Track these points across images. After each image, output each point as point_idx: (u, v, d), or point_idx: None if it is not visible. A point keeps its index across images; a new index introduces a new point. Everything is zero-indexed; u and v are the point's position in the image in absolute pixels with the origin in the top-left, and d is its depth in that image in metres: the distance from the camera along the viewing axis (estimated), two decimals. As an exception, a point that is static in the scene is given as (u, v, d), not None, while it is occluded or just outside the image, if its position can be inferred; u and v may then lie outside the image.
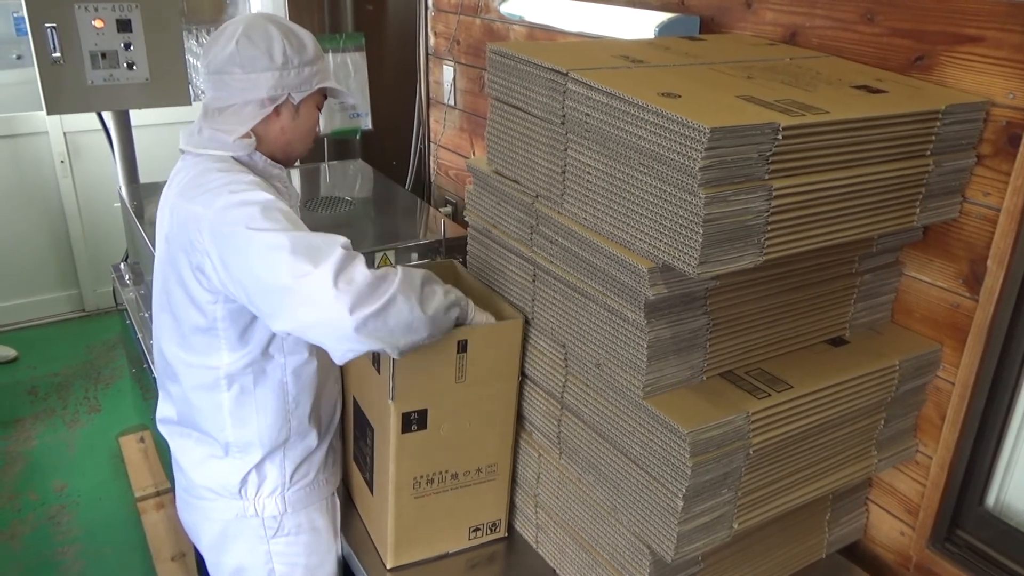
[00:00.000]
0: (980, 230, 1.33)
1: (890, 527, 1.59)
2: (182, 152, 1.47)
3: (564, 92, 1.24)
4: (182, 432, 1.55)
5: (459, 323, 1.38)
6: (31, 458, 3.17)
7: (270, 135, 1.46)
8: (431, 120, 2.99)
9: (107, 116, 3.05)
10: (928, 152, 1.25)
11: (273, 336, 1.43)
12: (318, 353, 1.48)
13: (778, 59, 1.44)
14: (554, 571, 1.56)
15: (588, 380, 1.36)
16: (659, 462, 1.23)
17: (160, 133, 3.71)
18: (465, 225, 1.67)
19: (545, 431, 1.50)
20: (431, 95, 2.95)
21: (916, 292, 1.46)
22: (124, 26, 2.67)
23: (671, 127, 1.04)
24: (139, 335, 2.43)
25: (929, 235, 1.42)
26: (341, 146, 3.46)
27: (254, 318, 1.39)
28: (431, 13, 2.85)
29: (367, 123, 2.89)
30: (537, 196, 1.38)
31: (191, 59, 3.51)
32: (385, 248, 2.23)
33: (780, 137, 1.05)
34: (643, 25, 1.75)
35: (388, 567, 1.54)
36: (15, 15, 4.00)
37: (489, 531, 1.61)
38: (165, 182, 1.50)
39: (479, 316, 1.43)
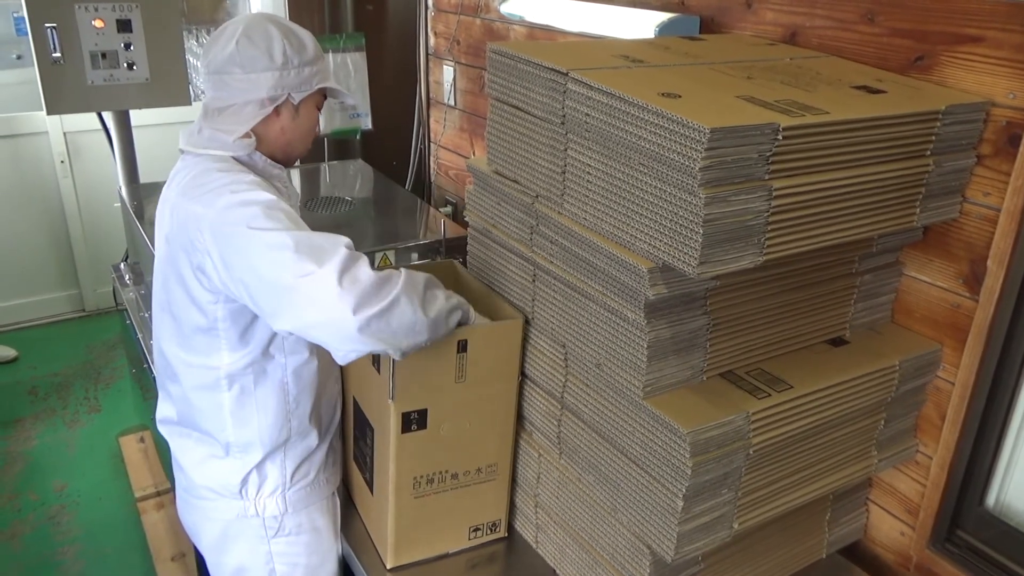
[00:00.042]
0: (980, 230, 1.33)
1: (890, 527, 1.59)
2: (181, 152, 1.47)
3: (564, 92, 1.24)
4: (182, 432, 1.55)
5: (460, 326, 1.39)
6: (31, 458, 3.17)
7: (270, 135, 1.46)
8: (431, 120, 2.99)
9: (107, 116, 3.05)
10: (928, 152, 1.25)
11: (274, 336, 1.43)
12: (319, 353, 1.49)
13: (778, 59, 1.44)
14: (554, 571, 1.56)
15: (588, 380, 1.36)
16: (659, 462, 1.23)
17: (160, 133, 3.71)
18: (465, 225, 1.67)
19: (545, 431, 1.50)
20: (431, 95, 2.95)
21: (916, 292, 1.46)
22: (124, 26, 2.67)
23: (671, 127, 1.04)
24: (139, 335, 2.43)
25: (929, 235, 1.42)
26: (341, 146, 3.46)
27: (255, 318, 1.39)
28: (431, 13, 2.85)
29: (367, 123, 2.89)
30: (537, 196, 1.38)
31: (191, 59, 3.51)
32: (385, 248, 2.23)
33: (780, 137, 1.05)
34: (643, 25, 1.75)
35: (388, 567, 1.54)
36: (15, 15, 4.00)
37: (489, 531, 1.61)
38: (165, 182, 1.50)
39: (480, 321, 1.43)
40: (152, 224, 1.54)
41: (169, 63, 2.78)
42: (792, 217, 1.12)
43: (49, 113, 2.77)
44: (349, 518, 1.68)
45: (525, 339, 1.49)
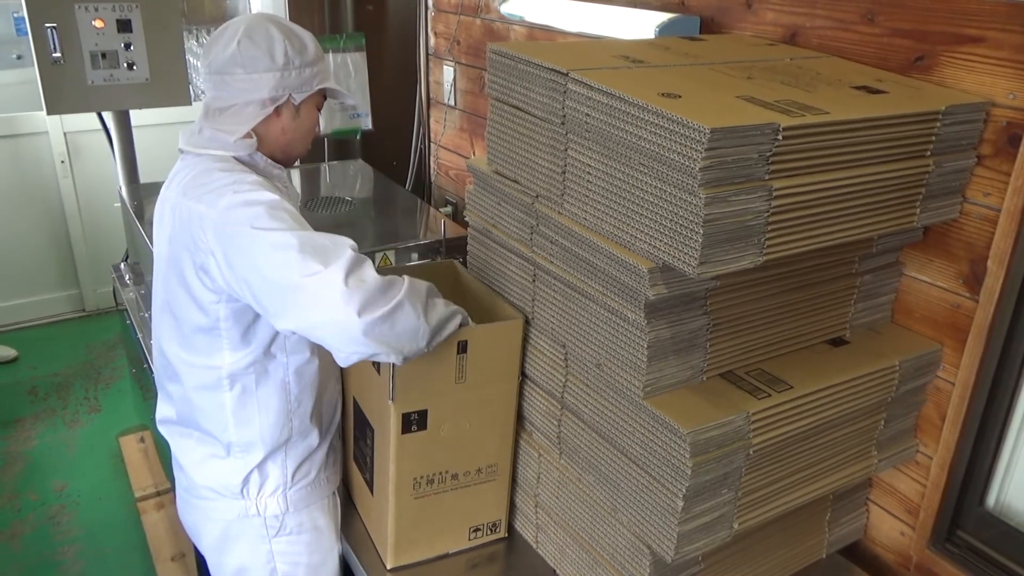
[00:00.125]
0: (980, 230, 1.33)
1: (890, 527, 1.59)
2: (181, 152, 1.47)
3: (564, 92, 1.24)
4: (183, 432, 1.55)
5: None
6: (31, 458, 3.17)
7: (271, 135, 1.46)
8: (431, 120, 2.99)
9: (107, 116, 3.05)
10: (928, 152, 1.25)
11: (276, 335, 1.43)
12: (320, 352, 1.49)
13: (778, 59, 1.44)
14: (554, 571, 1.56)
15: (588, 380, 1.36)
16: (659, 462, 1.23)
17: (160, 133, 3.71)
18: (465, 225, 1.67)
19: (545, 431, 1.50)
20: (431, 95, 2.95)
21: (916, 292, 1.46)
22: (124, 26, 2.67)
23: (671, 127, 1.04)
24: (139, 335, 2.43)
25: (929, 235, 1.42)
26: (341, 146, 3.46)
27: (257, 317, 1.39)
28: (431, 13, 2.85)
29: (367, 123, 2.89)
30: (537, 196, 1.38)
31: (191, 59, 3.51)
32: (385, 248, 2.23)
33: (780, 137, 1.05)
34: (643, 25, 1.75)
35: (388, 567, 1.54)
36: (15, 15, 4.00)
37: (489, 531, 1.61)
38: (165, 182, 1.50)
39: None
40: (152, 224, 1.54)
41: (169, 63, 2.78)
42: (792, 217, 1.12)
43: (49, 113, 2.77)
44: (349, 518, 1.68)
45: (525, 339, 1.49)
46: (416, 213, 2.61)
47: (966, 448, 1.42)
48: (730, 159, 1.03)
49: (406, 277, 1.31)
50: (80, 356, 3.88)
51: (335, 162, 3.08)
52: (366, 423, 1.55)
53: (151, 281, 1.65)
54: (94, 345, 3.98)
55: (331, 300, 1.21)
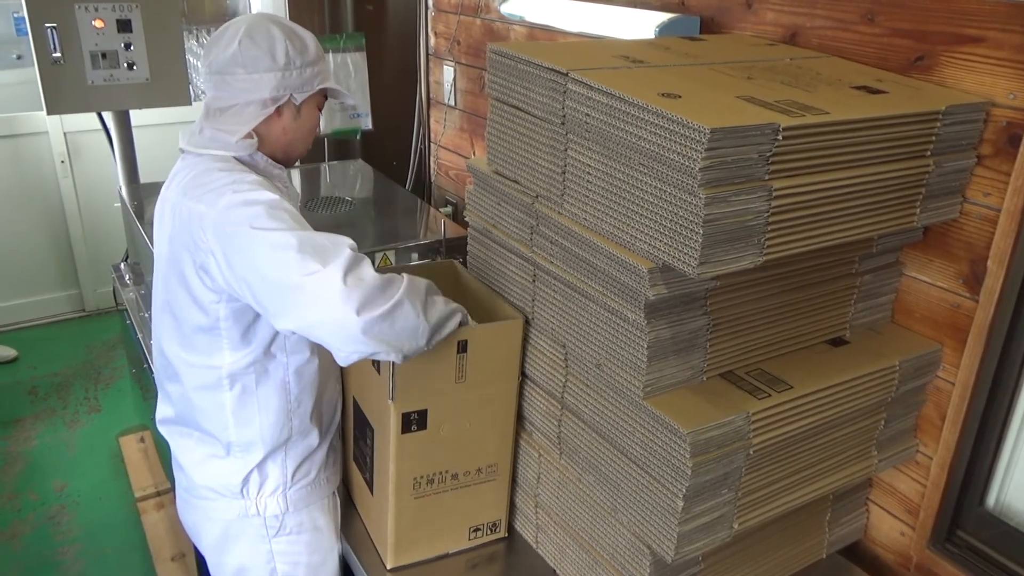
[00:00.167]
0: (980, 230, 1.33)
1: (890, 527, 1.59)
2: (182, 152, 1.47)
3: (564, 92, 1.24)
4: (183, 432, 1.55)
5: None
6: (31, 458, 3.17)
7: (272, 135, 1.46)
8: (431, 120, 2.99)
9: (107, 116, 3.05)
10: (928, 152, 1.25)
11: (276, 335, 1.43)
12: (320, 352, 1.49)
13: (778, 59, 1.44)
14: (554, 571, 1.56)
15: (588, 380, 1.36)
16: (659, 462, 1.23)
17: (160, 133, 3.71)
18: (465, 225, 1.67)
19: (545, 431, 1.50)
20: (431, 95, 2.95)
21: (916, 292, 1.46)
22: (124, 26, 2.67)
23: (671, 127, 1.04)
24: (139, 335, 2.43)
25: (929, 235, 1.42)
26: (341, 146, 3.46)
27: (257, 317, 1.39)
28: (431, 13, 2.85)
29: (367, 123, 2.89)
30: (537, 196, 1.38)
31: (191, 59, 3.51)
32: (385, 248, 2.23)
33: (780, 138, 1.05)
34: (643, 25, 1.75)
35: (388, 567, 1.54)
36: (15, 15, 4.00)
37: (489, 531, 1.61)
38: (165, 182, 1.50)
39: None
40: (152, 224, 1.54)
41: (169, 63, 2.78)
42: (792, 217, 1.12)
43: (49, 113, 2.77)
44: (349, 518, 1.68)
45: (525, 339, 1.49)
46: (416, 213, 2.61)
47: (966, 448, 1.42)
48: (730, 159, 1.03)
49: (405, 275, 1.31)
50: (80, 356, 3.89)
51: (335, 162, 3.08)
52: (366, 423, 1.55)
53: (151, 281, 1.65)
54: (94, 345, 3.98)
55: (329, 299, 1.21)
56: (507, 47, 1.37)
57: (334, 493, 1.64)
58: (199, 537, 1.61)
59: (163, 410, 1.60)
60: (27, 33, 2.58)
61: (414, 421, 1.42)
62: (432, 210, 2.67)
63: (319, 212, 2.53)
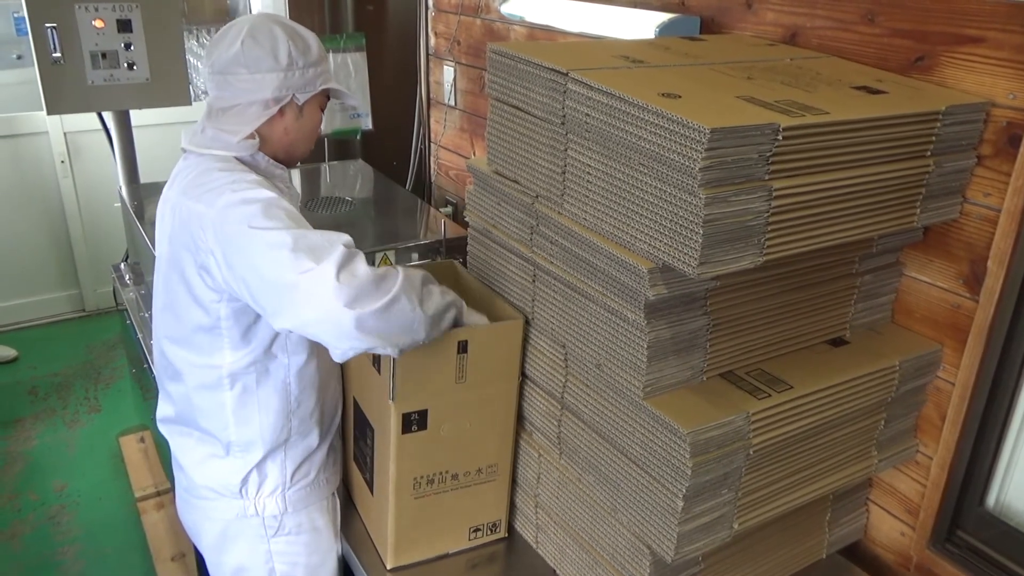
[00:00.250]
0: (980, 231, 1.33)
1: (890, 527, 1.59)
2: (184, 151, 1.48)
3: (564, 92, 1.24)
4: (183, 431, 1.55)
5: (455, 324, 1.39)
6: (31, 458, 3.17)
7: (274, 135, 1.46)
8: (431, 120, 2.99)
9: (107, 116, 3.05)
10: (928, 153, 1.25)
11: (276, 335, 1.43)
12: (320, 353, 1.49)
13: (778, 59, 1.44)
14: (554, 571, 1.56)
15: (588, 380, 1.36)
16: (659, 462, 1.23)
17: (160, 133, 3.72)
18: (465, 225, 1.67)
19: (545, 431, 1.50)
20: (431, 95, 2.95)
21: (916, 292, 1.46)
22: (124, 26, 2.67)
23: (671, 127, 1.04)
24: (139, 335, 2.43)
25: (929, 236, 1.42)
26: (341, 146, 3.46)
27: (257, 317, 1.39)
28: (431, 13, 2.85)
29: (367, 123, 2.89)
30: (537, 196, 1.38)
31: (191, 59, 3.51)
32: (385, 248, 2.23)
33: (780, 138, 1.05)
34: (643, 25, 1.75)
35: (388, 567, 1.54)
36: (15, 15, 4.00)
37: (489, 531, 1.61)
38: (165, 182, 1.50)
39: (473, 316, 1.43)
40: (152, 224, 1.54)
41: (169, 63, 2.78)
42: (792, 217, 1.12)
43: (49, 113, 2.77)
44: (349, 518, 1.68)
45: (525, 339, 1.49)
46: (416, 213, 2.61)
47: (966, 448, 1.42)
48: (730, 159, 1.03)
49: (399, 269, 1.30)
50: (80, 356, 3.89)
51: (335, 162, 3.08)
52: (366, 423, 1.55)
53: (151, 281, 1.65)
54: (94, 345, 3.98)
55: (323, 296, 1.21)
56: (507, 47, 1.37)
57: (334, 494, 1.64)
58: (198, 537, 1.61)
59: (164, 409, 1.60)
60: (27, 33, 2.58)
61: (414, 421, 1.42)
62: (432, 210, 2.67)
63: (319, 212, 2.53)
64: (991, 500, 1.43)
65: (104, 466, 3.13)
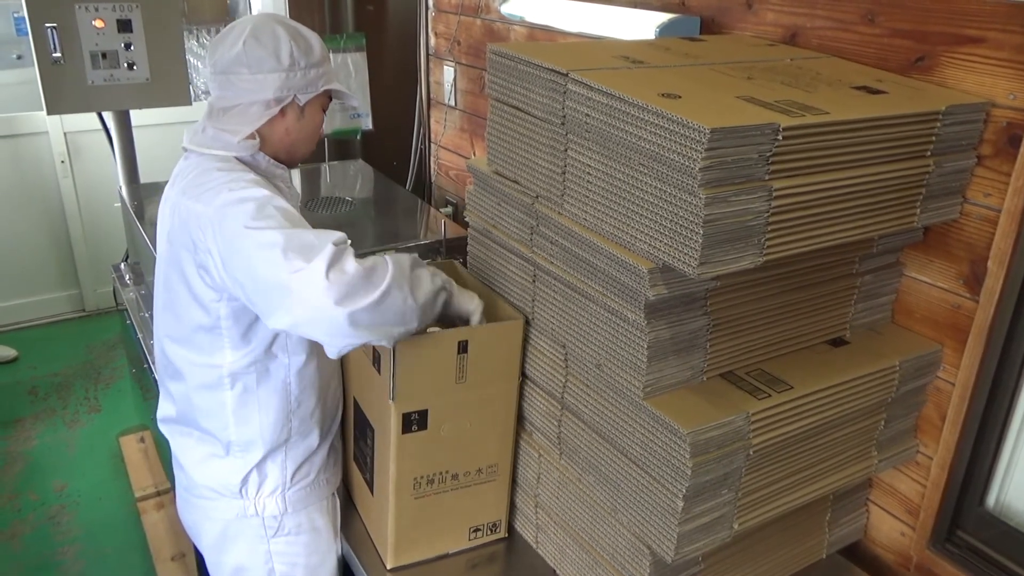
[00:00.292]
0: (981, 231, 1.33)
1: (890, 528, 1.59)
2: (184, 150, 1.48)
3: (564, 93, 1.24)
4: (183, 431, 1.55)
5: (446, 305, 1.39)
6: (31, 458, 3.17)
7: (275, 136, 1.46)
8: (431, 120, 2.99)
9: (107, 116, 3.05)
10: (928, 153, 1.25)
11: (276, 335, 1.43)
12: (321, 353, 1.48)
13: (778, 60, 1.44)
14: (554, 571, 1.55)
15: (588, 380, 1.36)
16: (659, 462, 1.23)
17: (160, 133, 3.72)
18: (465, 225, 1.67)
19: (545, 431, 1.50)
20: (432, 95, 2.95)
21: (916, 293, 1.46)
22: (124, 26, 2.68)
23: (671, 127, 1.04)
24: (139, 335, 2.43)
25: (929, 236, 1.42)
26: (342, 146, 3.46)
27: (257, 317, 1.39)
28: (431, 13, 2.85)
29: (368, 123, 2.89)
30: (537, 196, 1.38)
31: (191, 59, 3.51)
32: (385, 248, 2.23)
33: (780, 138, 1.05)
34: (643, 26, 1.75)
35: (388, 567, 1.54)
36: (15, 15, 4.00)
37: (489, 531, 1.61)
38: (166, 182, 1.50)
39: (463, 297, 1.43)
40: (152, 224, 1.54)
41: (169, 63, 2.78)
42: (792, 217, 1.12)
43: (49, 113, 2.77)
44: (349, 518, 1.68)
45: (525, 339, 1.49)
46: (416, 213, 2.61)
47: (966, 448, 1.42)
48: (730, 159, 1.03)
49: (388, 258, 1.30)
50: (80, 356, 3.89)
51: (335, 162, 3.08)
52: (366, 423, 1.55)
53: (151, 281, 1.65)
54: (94, 345, 3.98)
55: (314, 296, 1.21)
56: (507, 47, 1.37)
57: (334, 494, 1.64)
58: (198, 536, 1.61)
59: (164, 409, 1.60)
60: (27, 33, 2.58)
61: (414, 421, 1.42)
62: (432, 210, 2.67)
63: (319, 212, 2.53)
64: (991, 500, 1.43)
65: (104, 466, 3.13)
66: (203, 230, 1.31)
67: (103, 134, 3.13)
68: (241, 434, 1.48)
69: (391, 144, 3.19)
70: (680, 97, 1.11)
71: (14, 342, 3.91)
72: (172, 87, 2.82)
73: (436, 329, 1.43)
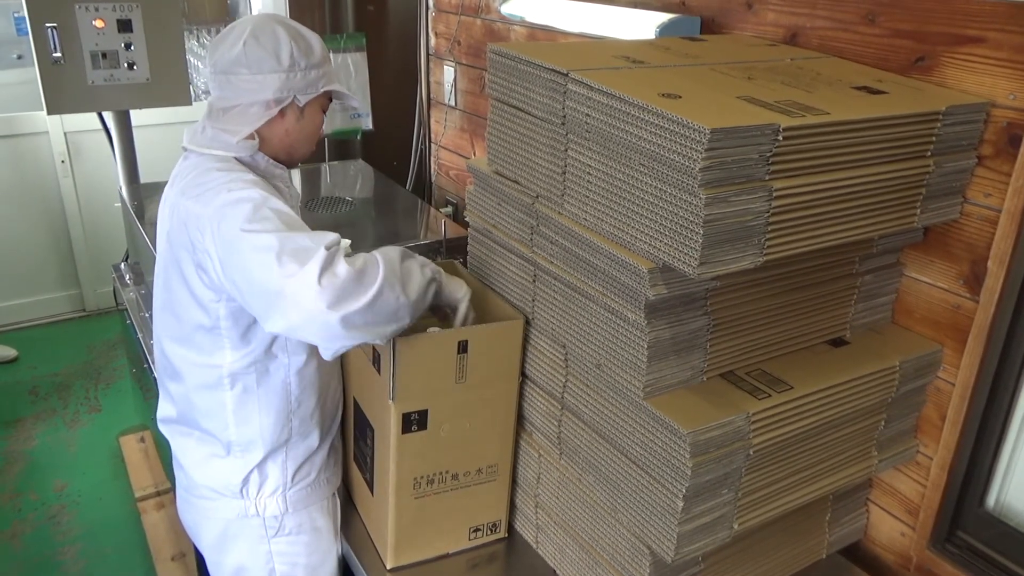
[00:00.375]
0: (981, 231, 1.33)
1: (890, 528, 1.59)
2: (184, 150, 1.47)
3: (564, 92, 1.24)
4: (183, 431, 1.55)
5: (436, 295, 1.39)
6: (31, 458, 3.17)
7: (274, 136, 1.46)
8: (432, 120, 2.99)
9: (107, 116, 3.05)
10: (929, 153, 1.25)
11: (276, 336, 1.43)
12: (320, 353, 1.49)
13: (779, 60, 1.44)
14: (554, 571, 1.55)
15: (588, 380, 1.36)
16: (659, 463, 1.23)
17: (160, 133, 3.72)
18: (466, 225, 1.67)
19: (545, 431, 1.50)
20: (432, 95, 2.95)
21: (917, 293, 1.46)
22: (125, 26, 2.67)
23: (671, 128, 1.04)
24: (139, 335, 2.43)
25: (930, 236, 1.42)
26: (342, 146, 3.46)
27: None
28: (432, 13, 2.85)
29: (368, 123, 2.89)
30: (537, 196, 1.38)
31: (192, 59, 3.51)
32: (385, 248, 2.23)
33: (780, 138, 1.05)
34: (644, 26, 1.75)
35: (388, 567, 1.54)
36: (15, 15, 4.00)
37: (489, 531, 1.61)
38: (166, 182, 1.50)
39: (452, 284, 1.43)
40: (152, 224, 1.54)
41: (170, 63, 2.78)
42: (792, 218, 1.12)
43: (49, 113, 2.77)
44: (349, 518, 1.68)
45: (525, 339, 1.49)
46: (416, 213, 2.61)
47: (966, 449, 1.42)
48: (730, 159, 1.03)
49: (378, 255, 1.30)
50: (80, 356, 3.89)
51: (335, 162, 3.08)
52: (366, 423, 1.55)
53: (151, 281, 1.65)
54: (94, 345, 3.98)
55: (307, 300, 1.21)
56: (507, 47, 1.37)
57: (334, 494, 1.64)
58: (199, 536, 1.61)
59: (164, 409, 1.60)
60: (27, 33, 2.58)
61: (414, 421, 1.42)
62: (432, 210, 2.67)
63: (319, 212, 2.53)
64: (991, 500, 1.43)
65: (104, 466, 3.13)
66: (202, 231, 1.31)
67: (103, 134, 3.13)
68: (241, 434, 1.48)
69: (391, 144, 3.19)
70: (680, 97, 1.11)
71: (14, 342, 3.91)
72: (172, 87, 2.82)
73: (436, 329, 1.44)
